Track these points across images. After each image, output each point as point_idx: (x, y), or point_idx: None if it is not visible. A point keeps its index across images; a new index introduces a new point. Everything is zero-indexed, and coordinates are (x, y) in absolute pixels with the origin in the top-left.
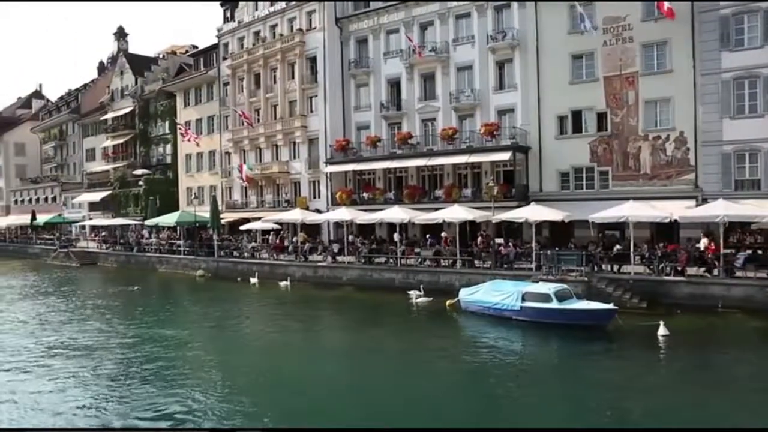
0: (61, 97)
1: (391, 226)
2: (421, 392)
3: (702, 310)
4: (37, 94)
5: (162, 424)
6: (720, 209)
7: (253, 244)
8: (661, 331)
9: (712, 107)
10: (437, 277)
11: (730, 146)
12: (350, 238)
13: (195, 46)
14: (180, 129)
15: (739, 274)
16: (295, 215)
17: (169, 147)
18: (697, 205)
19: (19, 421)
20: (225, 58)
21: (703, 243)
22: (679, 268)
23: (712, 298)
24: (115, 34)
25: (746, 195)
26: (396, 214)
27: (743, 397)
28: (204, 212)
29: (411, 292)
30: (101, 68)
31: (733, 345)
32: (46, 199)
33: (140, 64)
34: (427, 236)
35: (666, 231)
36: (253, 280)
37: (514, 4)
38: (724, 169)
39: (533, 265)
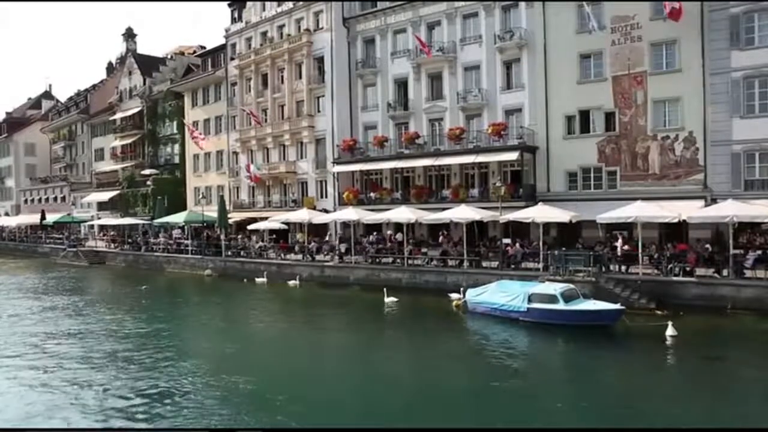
0: (71, 98)
1: (398, 226)
2: (426, 392)
3: (711, 311)
4: (47, 95)
5: (165, 422)
6: (729, 209)
7: (261, 243)
8: (669, 331)
9: (722, 107)
10: (444, 278)
11: (740, 146)
12: (370, 237)
13: (203, 47)
14: (193, 132)
15: (748, 274)
16: (303, 215)
17: (177, 147)
18: (706, 206)
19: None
20: (233, 59)
21: (620, 243)
22: (688, 269)
23: (721, 299)
24: (123, 34)
25: (756, 195)
26: (403, 214)
27: (750, 399)
28: (212, 212)
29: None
30: (110, 69)
31: (741, 347)
32: (55, 199)
33: (148, 65)
34: (374, 233)
35: (675, 231)
36: (261, 279)
37: (522, 4)
38: (734, 169)
39: (540, 266)
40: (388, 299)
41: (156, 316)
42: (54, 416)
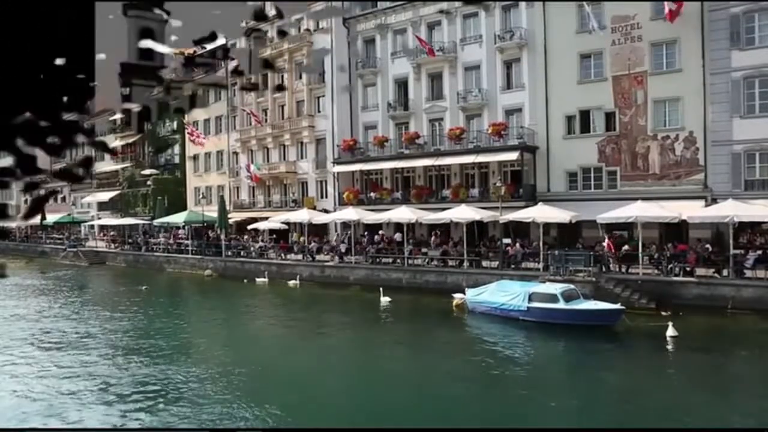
0: None
1: (398, 226)
2: (425, 391)
3: (711, 311)
4: None
5: (165, 422)
6: (729, 209)
7: (260, 243)
8: (670, 332)
9: (722, 107)
10: (444, 278)
11: (740, 146)
12: (375, 237)
13: (203, 47)
14: (192, 132)
15: (749, 274)
16: (303, 215)
17: (177, 147)
18: (706, 206)
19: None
20: (233, 59)
21: (606, 243)
22: (688, 269)
23: (721, 299)
24: None
25: (756, 195)
26: (403, 214)
27: (751, 399)
28: (212, 212)
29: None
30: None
31: (742, 347)
32: (55, 199)
33: None
34: (366, 233)
35: (675, 231)
36: (261, 279)
37: (522, 4)
38: (734, 169)
39: (541, 266)
40: (383, 299)
41: (156, 316)
42: (52, 416)
